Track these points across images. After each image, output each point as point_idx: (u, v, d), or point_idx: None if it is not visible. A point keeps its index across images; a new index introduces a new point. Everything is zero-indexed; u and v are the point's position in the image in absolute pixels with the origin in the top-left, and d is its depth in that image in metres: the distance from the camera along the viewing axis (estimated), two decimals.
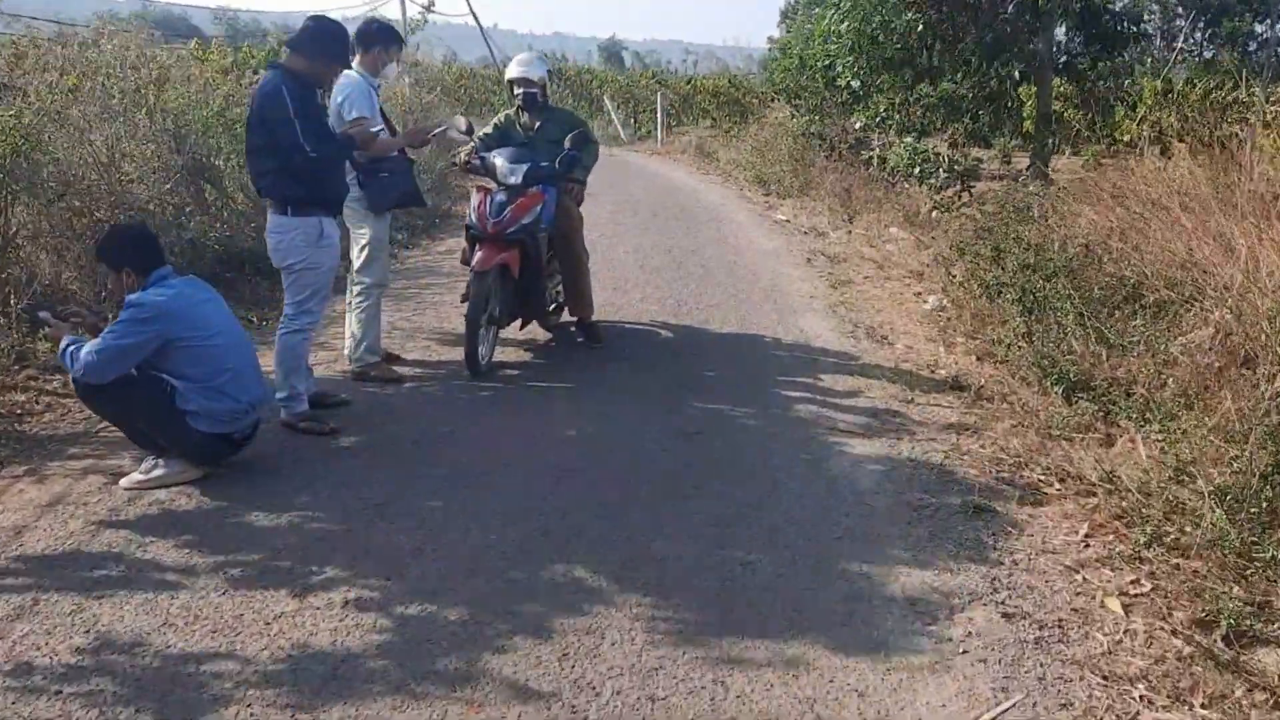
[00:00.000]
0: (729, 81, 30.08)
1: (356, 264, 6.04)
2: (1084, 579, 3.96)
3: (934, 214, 14.32)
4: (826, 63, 17.41)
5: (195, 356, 4.45)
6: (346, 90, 5.79)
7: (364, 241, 5.99)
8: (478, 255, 6.12)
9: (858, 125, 17.38)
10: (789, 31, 44.23)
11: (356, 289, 6.03)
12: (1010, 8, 14.02)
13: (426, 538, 4.16)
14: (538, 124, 6.92)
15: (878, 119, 16.83)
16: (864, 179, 16.07)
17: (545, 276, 6.74)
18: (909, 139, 15.99)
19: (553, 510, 4.45)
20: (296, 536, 4.16)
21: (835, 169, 16.57)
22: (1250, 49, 37.37)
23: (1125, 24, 16.18)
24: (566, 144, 6.53)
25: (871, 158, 16.90)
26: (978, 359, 7.12)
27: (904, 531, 4.34)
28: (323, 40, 5.21)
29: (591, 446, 5.28)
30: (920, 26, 15.49)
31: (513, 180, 6.33)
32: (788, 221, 14.12)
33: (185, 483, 4.55)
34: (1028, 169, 16.63)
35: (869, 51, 15.72)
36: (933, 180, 14.97)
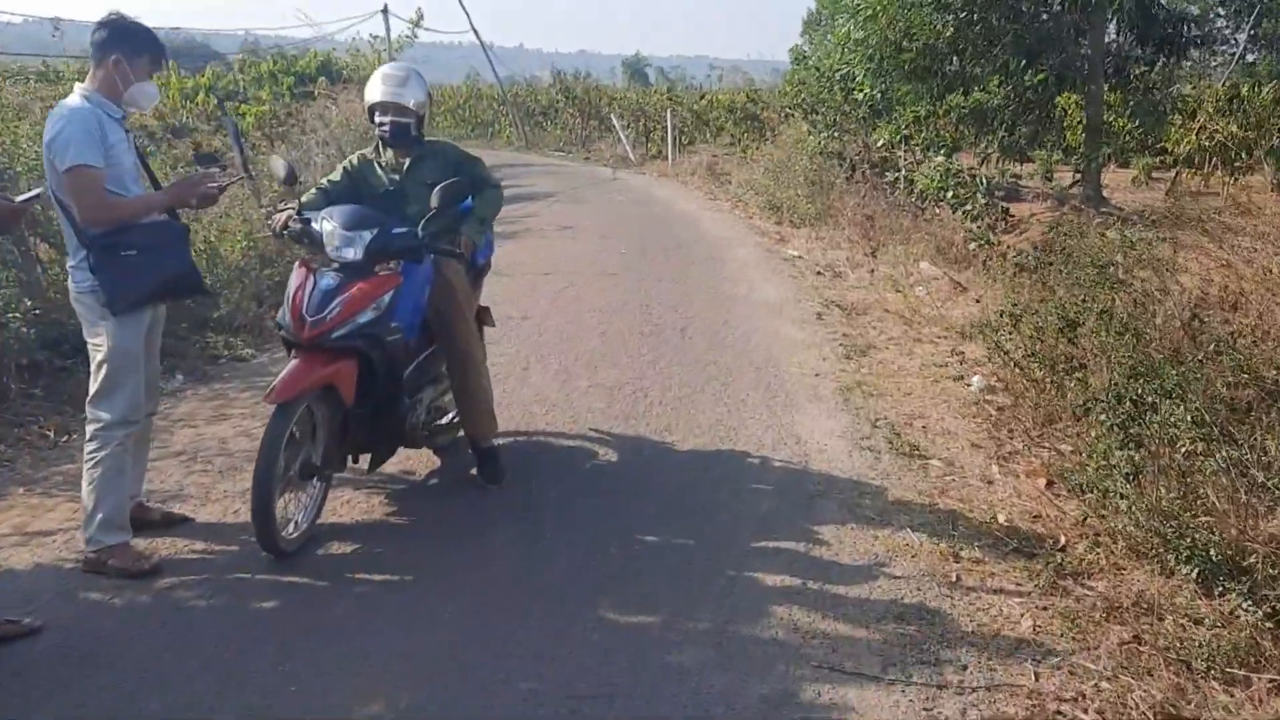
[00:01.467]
0: (746, 96, 27.86)
1: (91, 390, 3.86)
2: None
3: (971, 246, 12.12)
4: (844, 73, 15.18)
5: None
6: (59, 125, 3.65)
7: (101, 356, 3.81)
8: (282, 375, 3.91)
9: (880, 142, 15.13)
10: (811, 43, 42.01)
11: (89, 429, 3.84)
12: (1055, 4, 11.76)
13: None
14: (407, 167, 4.74)
15: (902, 135, 14.59)
16: (888, 204, 13.85)
17: (419, 387, 4.57)
18: (939, 157, 13.75)
19: None
20: None
21: (856, 192, 14.35)
22: None
23: (1186, 26, 13.87)
24: (434, 202, 4.29)
25: (897, 179, 14.67)
26: (1047, 484, 4.89)
27: None
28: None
29: None
30: (950, 30, 13.27)
31: (349, 255, 4.14)
32: (800, 258, 11.90)
33: None
34: (1071, 186, 14.29)
35: (891, 59, 13.49)
36: (969, 207, 12.73)
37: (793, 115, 18.55)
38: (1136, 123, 13.53)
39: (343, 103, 14.04)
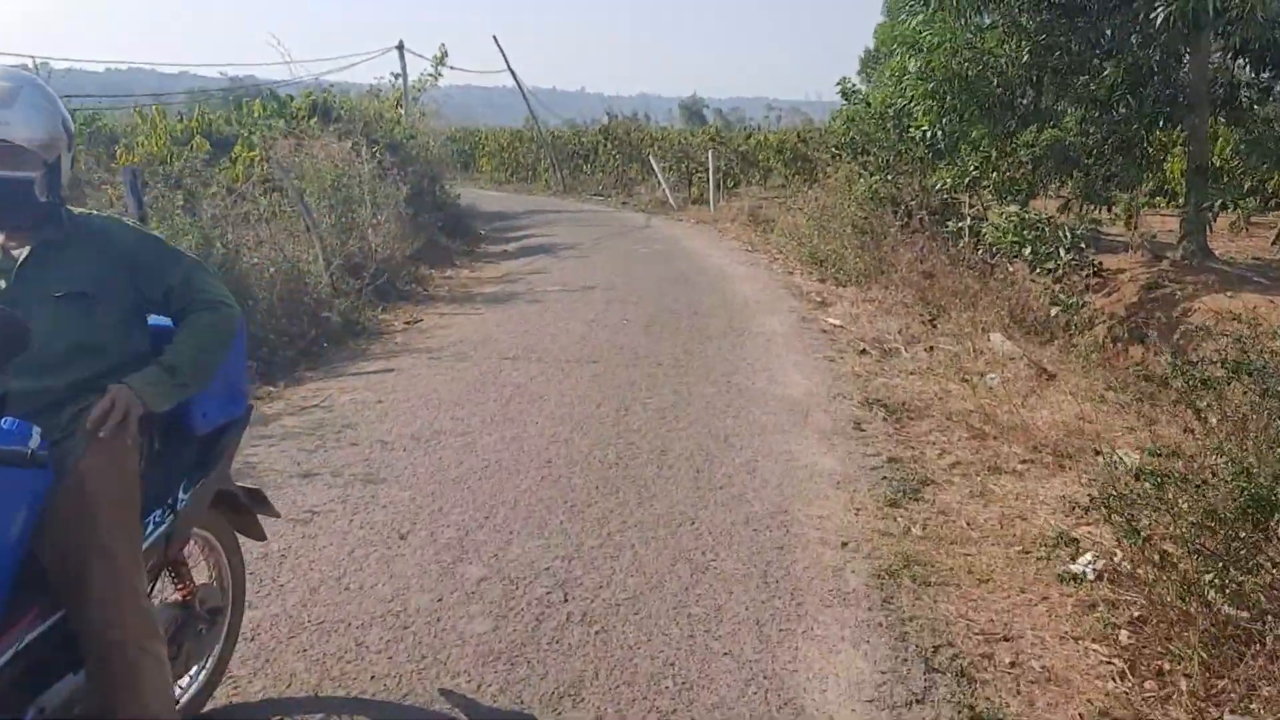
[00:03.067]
0: (797, 136, 25.59)
1: None
2: None
3: (1054, 312, 9.70)
4: (900, 108, 12.85)
5: None
6: None
7: None
8: None
9: (940, 186, 12.76)
10: (868, 81, 39.60)
11: None
12: (1159, 22, 9.34)
13: None
14: (22, 262, 2.49)
15: (968, 178, 12.23)
16: (950, 258, 11.48)
17: (19, 700, 2.32)
18: (1012, 206, 11.36)
19: None
20: None
21: (911, 244, 11.99)
22: None
23: None
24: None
25: (960, 229, 12.28)
26: None
27: None
28: None
29: None
30: (1025, 56, 10.92)
31: None
32: (840, 328, 9.55)
33: None
34: (1181, 240, 11.75)
35: (956, 93, 11.16)
36: (1051, 264, 10.31)
37: (841, 156, 16.22)
38: (1255, 162, 11.01)
39: (316, 146, 12.06)
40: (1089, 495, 4.62)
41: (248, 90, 23.18)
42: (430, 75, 22.64)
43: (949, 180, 12.03)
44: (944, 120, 11.53)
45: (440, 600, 3.78)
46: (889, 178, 14.07)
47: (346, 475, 5.22)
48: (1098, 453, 5.57)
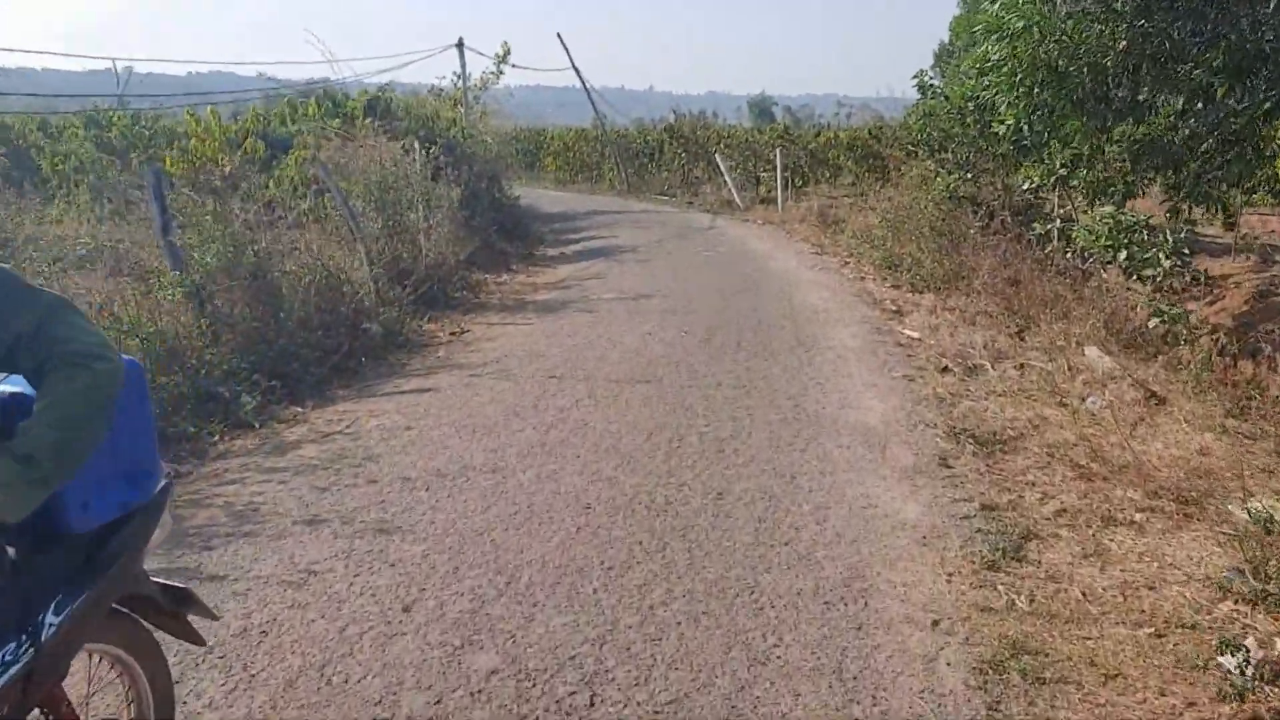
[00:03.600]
0: (869, 132, 24.58)
1: None
2: None
3: (1153, 323, 8.76)
4: (981, 101, 11.91)
5: None
6: None
7: None
8: None
9: (1025, 185, 11.79)
10: (942, 75, 38.18)
11: None
12: (1273, 4, 8.33)
13: None
14: None
15: (1056, 176, 11.23)
16: (1038, 263, 10.58)
17: None
18: (1107, 207, 10.38)
19: None
20: None
21: (993, 248, 11.08)
22: None
23: None
24: None
25: (1048, 232, 11.33)
26: None
27: None
28: None
29: None
30: (1122, 42, 9.93)
31: None
32: (919, 341, 8.71)
33: None
34: None
35: (1045, 83, 10.20)
36: (1150, 270, 9.35)
37: (916, 153, 15.27)
38: None
39: (363, 146, 11.51)
40: (1235, 569, 3.78)
41: (323, 91, 22.79)
42: (492, 73, 22.09)
43: (1036, 179, 11.07)
44: (1032, 114, 10.57)
45: (439, 702, 3.08)
46: (968, 176, 13.14)
47: (357, 523, 4.57)
48: (1230, 501, 4.72)
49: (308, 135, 15.00)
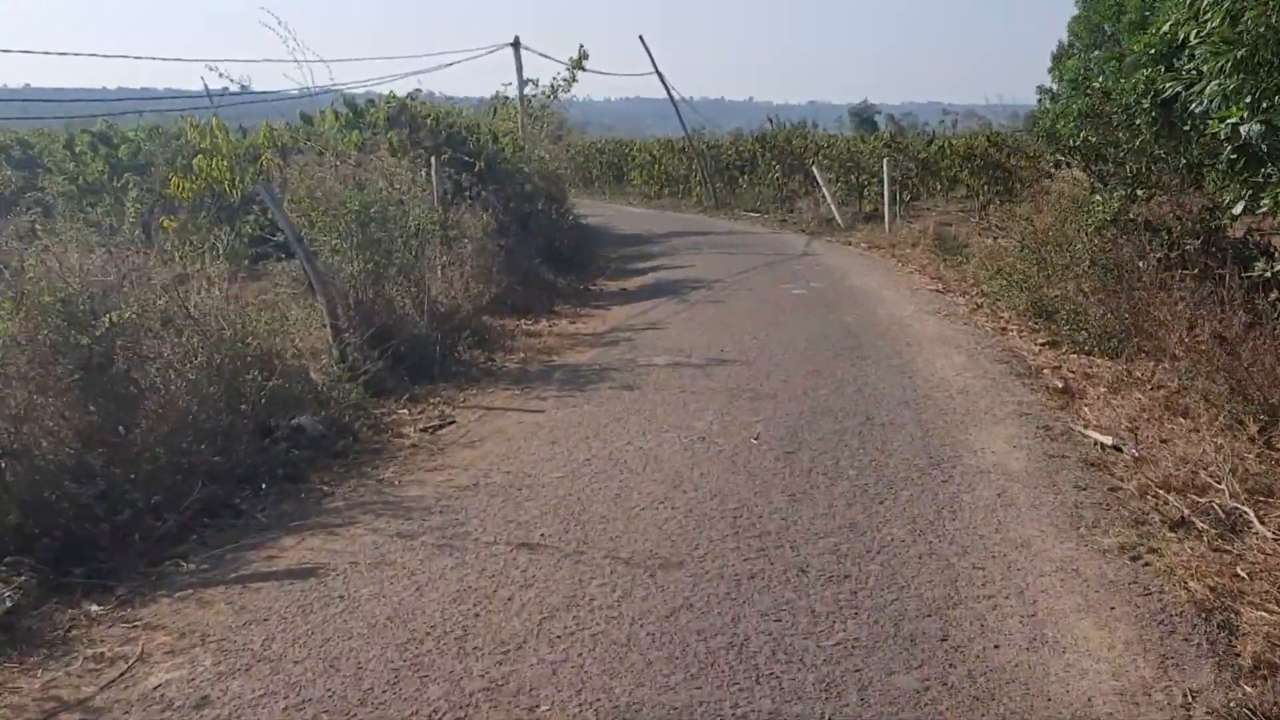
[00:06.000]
0: (987, 139, 21.09)
1: None
2: None
3: None
4: (1170, 96, 8.62)
5: None
6: None
7: None
8: None
9: (1239, 210, 8.40)
10: (1063, 78, 34.02)
11: None
12: None
13: None
14: None
15: None
16: (1254, 315, 7.29)
17: None
18: None
19: None
20: None
21: (1188, 294, 7.79)
22: None
23: None
24: None
25: (1277, 275, 7.97)
26: None
27: None
28: None
29: None
30: None
31: None
32: (1117, 452, 5.55)
33: None
34: None
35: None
36: None
37: (1068, 163, 11.89)
38: None
39: (349, 163, 8.74)
40: None
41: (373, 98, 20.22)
42: (564, 79, 19.32)
43: (1269, 201, 7.69)
44: (1256, 106, 7.25)
45: None
46: (1143, 194, 9.81)
47: None
48: None
49: (323, 150, 12.39)
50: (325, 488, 5.27)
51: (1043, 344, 8.74)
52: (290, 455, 5.47)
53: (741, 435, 5.90)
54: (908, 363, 7.84)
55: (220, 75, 20.73)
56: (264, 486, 5.17)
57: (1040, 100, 39.99)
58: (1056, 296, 9.44)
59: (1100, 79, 11.70)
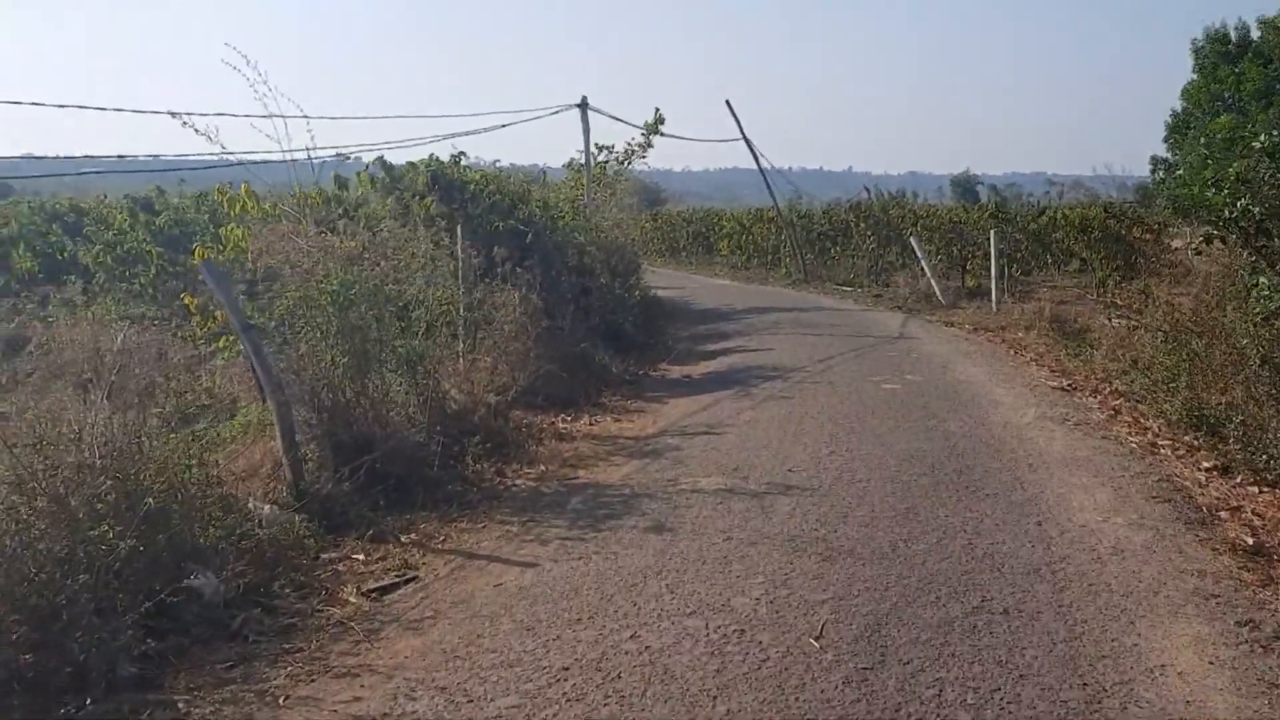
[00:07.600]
0: (1104, 209, 18.85)
1: None
2: None
3: None
4: None
5: None
6: None
7: None
8: None
9: None
10: (1179, 151, 31.27)
11: None
12: None
13: None
14: None
15: None
16: None
17: None
18: None
19: None
20: None
21: None
22: None
23: None
24: None
25: None
26: None
27: None
28: None
29: None
30: None
31: None
32: None
33: None
34: None
35: None
36: None
37: (1223, 239, 9.76)
38: None
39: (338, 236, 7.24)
40: None
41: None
42: (639, 144, 17.91)
43: None
44: None
45: None
46: None
47: None
48: None
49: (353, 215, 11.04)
50: (180, 704, 3.56)
51: (1209, 469, 6.65)
52: (146, 647, 3.79)
53: (798, 628, 4.02)
54: (1033, 499, 5.84)
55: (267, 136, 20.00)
56: (89, 703, 3.49)
57: (1154, 170, 36.82)
58: (1221, 404, 7.36)
59: (1264, 138, 9.57)
